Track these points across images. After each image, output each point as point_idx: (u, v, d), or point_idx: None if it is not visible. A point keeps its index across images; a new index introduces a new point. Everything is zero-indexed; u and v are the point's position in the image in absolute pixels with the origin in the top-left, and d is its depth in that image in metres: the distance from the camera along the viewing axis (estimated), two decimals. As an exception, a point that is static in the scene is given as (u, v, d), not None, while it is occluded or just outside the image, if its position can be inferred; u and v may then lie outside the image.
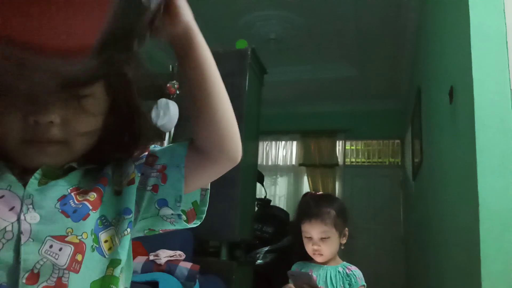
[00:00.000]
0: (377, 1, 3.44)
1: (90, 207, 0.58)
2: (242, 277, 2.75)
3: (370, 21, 3.71)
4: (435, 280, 2.51)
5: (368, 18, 3.68)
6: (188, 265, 2.09)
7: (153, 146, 0.69)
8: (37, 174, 0.55)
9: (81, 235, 0.55)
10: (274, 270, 3.21)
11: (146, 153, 0.67)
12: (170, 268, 2.07)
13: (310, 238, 1.47)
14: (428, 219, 2.92)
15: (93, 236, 0.57)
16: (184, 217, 0.65)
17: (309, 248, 1.48)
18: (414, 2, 3.31)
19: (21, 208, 0.53)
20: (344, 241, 1.50)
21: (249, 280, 2.92)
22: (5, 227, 0.51)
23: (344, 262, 1.50)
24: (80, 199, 0.57)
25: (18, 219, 0.52)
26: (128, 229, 0.61)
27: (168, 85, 2.51)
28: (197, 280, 2.12)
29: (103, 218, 0.60)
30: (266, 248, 3.67)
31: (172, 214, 0.65)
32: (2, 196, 0.53)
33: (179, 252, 2.18)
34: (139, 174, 0.64)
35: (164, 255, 2.11)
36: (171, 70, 2.75)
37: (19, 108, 0.52)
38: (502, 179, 1.49)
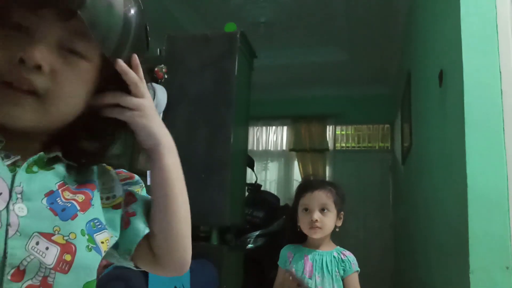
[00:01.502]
0: (367, -16, 3.41)
1: (78, 208, 0.56)
2: (233, 262, 2.77)
3: (361, 4, 3.68)
4: (423, 262, 2.55)
5: (358, 2, 3.65)
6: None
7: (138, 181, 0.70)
8: (26, 163, 0.53)
9: (68, 236, 0.53)
10: (265, 254, 3.23)
11: (132, 178, 0.69)
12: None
13: (309, 212, 1.48)
14: (417, 202, 2.95)
15: (87, 236, 0.56)
16: (130, 262, 0.66)
17: (306, 222, 1.47)
18: (404, -15, 3.29)
19: (10, 196, 0.50)
20: (339, 223, 1.52)
21: (240, 265, 2.94)
22: None
23: (338, 247, 1.51)
24: (67, 198, 0.56)
25: (7, 207, 0.50)
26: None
27: (155, 69, 2.46)
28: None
29: (96, 221, 0.58)
30: (257, 233, 3.68)
31: (118, 258, 0.66)
32: None
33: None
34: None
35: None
36: (158, 53, 2.69)
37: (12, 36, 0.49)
38: (490, 162, 1.50)
